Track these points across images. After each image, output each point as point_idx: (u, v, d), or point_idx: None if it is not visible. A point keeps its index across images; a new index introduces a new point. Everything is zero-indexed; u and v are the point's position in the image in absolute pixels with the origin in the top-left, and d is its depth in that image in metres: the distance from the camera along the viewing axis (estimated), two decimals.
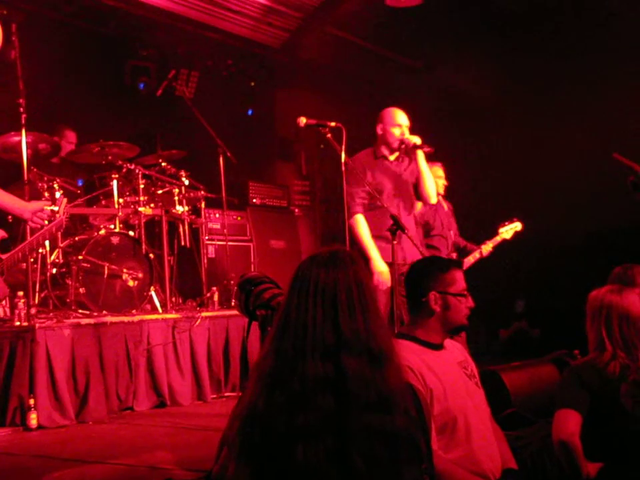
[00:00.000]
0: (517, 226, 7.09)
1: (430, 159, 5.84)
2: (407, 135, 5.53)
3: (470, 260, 6.92)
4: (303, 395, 2.01)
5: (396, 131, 5.53)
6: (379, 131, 5.61)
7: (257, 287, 2.58)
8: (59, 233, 6.40)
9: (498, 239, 7.02)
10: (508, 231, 7.05)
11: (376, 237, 5.35)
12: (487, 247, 6.97)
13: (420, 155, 5.51)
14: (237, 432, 2.07)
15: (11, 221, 6.26)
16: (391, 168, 5.56)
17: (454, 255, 6.99)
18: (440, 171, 6.99)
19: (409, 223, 5.42)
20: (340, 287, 2.12)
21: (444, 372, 3.05)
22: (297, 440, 1.98)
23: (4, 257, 4.16)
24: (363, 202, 5.43)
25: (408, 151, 5.56)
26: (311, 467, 1.96)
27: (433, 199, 5.63)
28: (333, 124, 5.01)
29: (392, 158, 5.63)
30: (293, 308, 2.14)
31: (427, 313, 3.16)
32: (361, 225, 5.38)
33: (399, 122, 5.54)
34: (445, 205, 7.10)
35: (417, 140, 5.49)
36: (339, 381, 2.02)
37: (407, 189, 5.55)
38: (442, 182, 6.99)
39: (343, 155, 4.82)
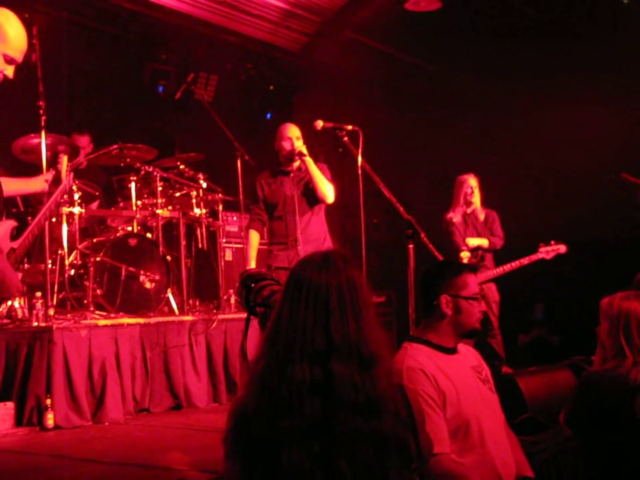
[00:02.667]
0: (560, 249, 7.01)
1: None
2: (296, 145, 5.83)
3: (499, 271, 7.03)
4: (290, 400, 2.00)
5: (286, 144, 5.86)
6: (275, 147, 6.00)
7: (257, 283, 2.58)
8: (77, 235, 6.46)
9: (534, 258, 6.99)
10: (549, 252, 6.98)
11: (275, 243, 5.97)
12: (523, 262, 6.98)
13: (308, 161, 5.81)
14: (228, 432, 2.08)
15: (18, 210, 6.27)
16: (287, 180, 5.93)
17: (483, 263, 7.11)
18: (474, 181, 7.23)
19: (310, 224, 5.89)
20: (332, 290, 2.10)
21: (457, 376, 3.04)
22: (283, 444, 1.97)
23: (16, 245, 4.13)
24: (258, 217, 6.02)
25: (301, 159, 5.87)
26: (296, 471, 1.96)
27: (329, 199, 5.89)
28: (350, 127, 5.01)
29: (290, 169, 5.97)
30: (285, 311, 2.12)
31: (438, 316, 3.15)
32: (251, 239, 6.02)
33: (289, 135, 5.88)
34: (482, 215, 7.26)
35: (302, 148, 5.82)
36: (327, 385, 2.01)
37: (306, 195, 5.89)
38: (477, 192, 7.24)
39: (360, 159, 4.81)
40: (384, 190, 4.60)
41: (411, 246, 4.31)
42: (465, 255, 6.94)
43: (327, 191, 5.85)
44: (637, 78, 8.24)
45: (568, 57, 8.59)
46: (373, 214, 9.05)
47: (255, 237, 6.02)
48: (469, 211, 7.25)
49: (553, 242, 7.01)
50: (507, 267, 6.99)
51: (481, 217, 7.26)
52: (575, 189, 8.88)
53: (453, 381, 3.00)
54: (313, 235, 5.86)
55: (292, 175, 5.92)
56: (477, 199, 7.29)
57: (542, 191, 9.39)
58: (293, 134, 5.89)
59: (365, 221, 5.04)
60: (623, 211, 8.10)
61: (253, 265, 5.84)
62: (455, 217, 7.23)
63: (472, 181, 7.27)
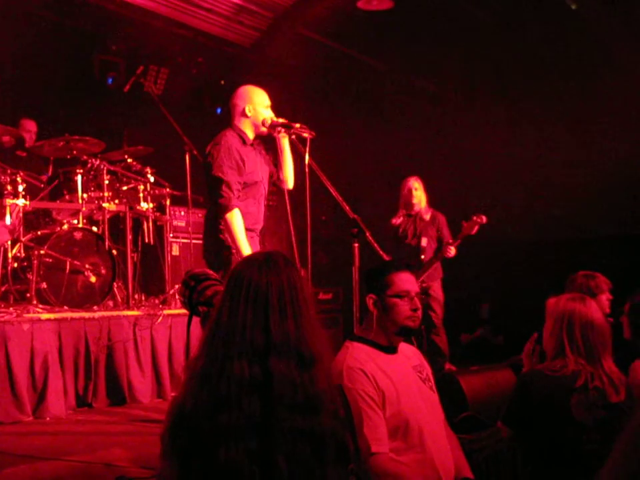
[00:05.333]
0: (482, 219, 6.81)
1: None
2: (275, 117, 5.00)
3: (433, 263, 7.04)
4: (228, 397, 2.02)
5: (266, 113, 5.00)
6: (248, 111, 4.99)
7: (200, 283, 2.60)
8: (21, 227, 6.37)
9: (459, 236, 6.91)
10: (471, 225, 6.83)
11: (247, 229, 4.85)
12: (451, 251, 6.94)
13: (285, 137, 4.98)
14: (166, 430, 2.08)
15: None
16: (256, 154, 5.07)
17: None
18: (416, 183, 7.24)
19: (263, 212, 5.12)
20: (272, 290, 2.13)
21: (397, 375, 3.07)
22: (220, 440, 1.99)
23: None
24: (239, 193, 4.87)
25: (275, 133, 5.00)
26: (233, 467, 1.97)
27: (290, 184, 5.08)
28: (297, 125, 4.95)
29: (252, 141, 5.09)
30: (225, 309, 2.15)
31: (370, 315, 3.22)
32: (239, 220, 4.77)
33: (268, 103, 5.03)
34: (428, 215, 7.26)
35: (283, 121, 4.97)
36: (266, 383, 2.04)
37: (270, 177, 5.17)
38: (420, 194, 7.23)
39: (307, 157, 4.79)
40: (330, 188, 4.60)
41: (356, 244, 4.34)
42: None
43: (292, 175, 5.06)
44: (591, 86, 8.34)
45: (519, 58, 8.71)
46: (322, 211, 9.07)
47: (242, 218, 4.79)
48: (413, 212, 7.27)
49: (473, 216, 6.82)
50: (438, 257, 7.02)
51: (426, 216, 7.27)
52: (522, 191, 8.98)
53: (392, 380, 3.02)
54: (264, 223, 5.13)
55: (257, 150, 5.07)
56: (420, 200, 7.29)
57: (489, 192, 9.46)
58: (269, 103, 5.05)
59: (312, 218, 4.95)
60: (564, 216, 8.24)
61: (248, 250, 4.63)
62: (397, 219, 7.28)
63: (413, 183, 7.27)
